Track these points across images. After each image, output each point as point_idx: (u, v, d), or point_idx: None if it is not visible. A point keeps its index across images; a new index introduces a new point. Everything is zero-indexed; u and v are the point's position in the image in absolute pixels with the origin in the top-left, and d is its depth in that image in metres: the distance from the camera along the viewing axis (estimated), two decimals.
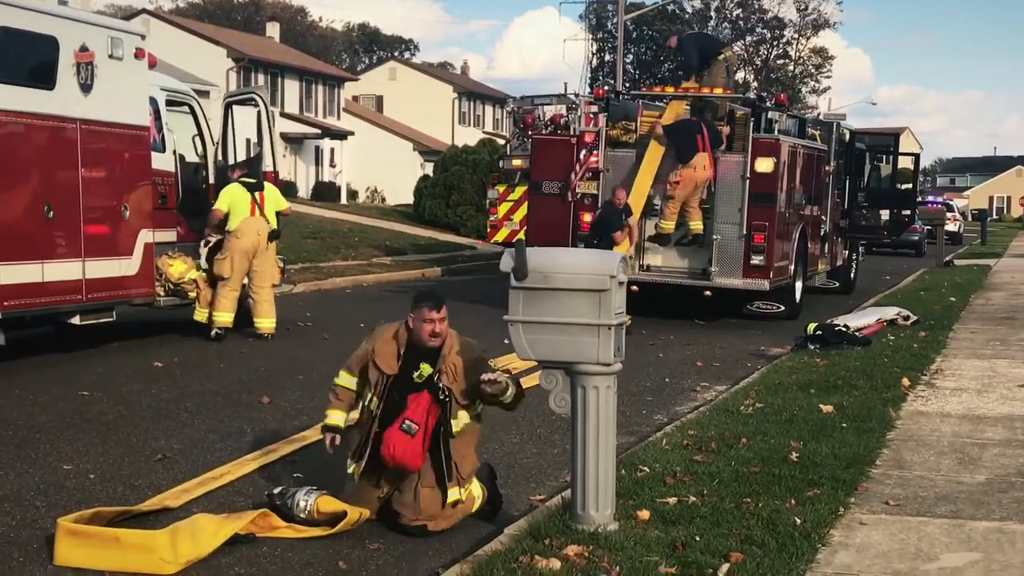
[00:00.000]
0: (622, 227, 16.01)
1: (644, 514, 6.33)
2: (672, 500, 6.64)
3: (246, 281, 14.10)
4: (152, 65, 13.41)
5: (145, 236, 12.98)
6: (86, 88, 12.01)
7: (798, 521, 6.26)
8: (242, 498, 7.14)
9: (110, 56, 12.32)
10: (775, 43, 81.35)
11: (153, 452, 8.25)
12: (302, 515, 6.40)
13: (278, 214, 14.36)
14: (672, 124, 17.24)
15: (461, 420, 6.50)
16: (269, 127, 15.19)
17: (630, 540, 5.88)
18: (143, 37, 13.15)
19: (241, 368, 12.11)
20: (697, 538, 5.94)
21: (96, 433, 8.80)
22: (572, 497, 6.19)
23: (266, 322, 14.16)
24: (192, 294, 13.83)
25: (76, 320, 12.25)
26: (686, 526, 6.17)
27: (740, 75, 71.50)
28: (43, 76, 11.59)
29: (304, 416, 9.54)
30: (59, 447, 8.33)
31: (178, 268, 13.72)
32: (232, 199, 13.91)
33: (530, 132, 19.22)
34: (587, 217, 17.18)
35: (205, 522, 6.12)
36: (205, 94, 34.65)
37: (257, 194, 14.05)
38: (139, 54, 12.81)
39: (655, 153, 16.98)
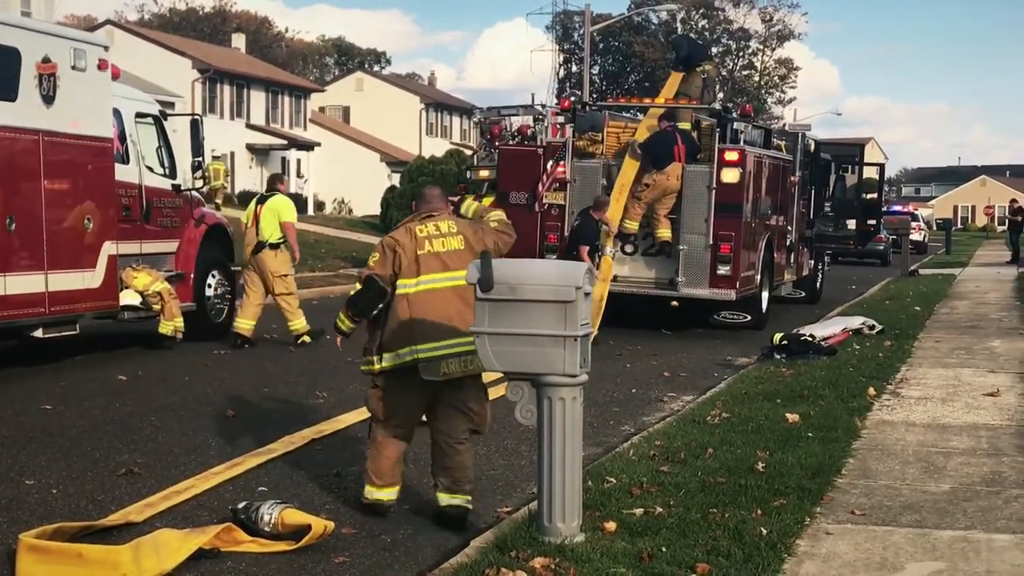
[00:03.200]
0: (594, 243, 15.99)
1: (611, 525, 6.32)
2: (639, 511, 6.63)
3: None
4: (116, 76, 13.33)
5: (109, 248, 12.86)
6: (48, 100, 11.90)
7: (764, 531, 6.27)
8: (206, 512, 7.09)
9: (73, 67, 12.21)
10: (740, 54, 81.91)
11: (117, 466, 8.18)
12: (267, 528, 6.37)
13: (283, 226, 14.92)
14: (649, 137, 17.28)
15: None
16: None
17: (597, 552, 5.87)
18: (107, 48, 13.06)
19: (206, 381, 12.02)
20: (664, 549, 5.94)
21: (59, 447, 8.71)
22: (539, 509, 6.18)
23: (296, 324, 14.85)
24: (157, 306, 13.71)
25: (39, 333, 12.12)
26: (653, 537, 6.16)
27: None
28: (5, 87, 11.46)
29: (269, 429, 9.48)
30: (21, 461, 8.24)
31: (143, 280, 13.60)
32: (246, 212, 14.96)
33: (497, 143, 19.21)
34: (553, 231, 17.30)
35: (169, 537, 6.08)
36: (170, 105, 34.50)
37: (259, 206, 14.77)
38: (102, 65, 12.72)
39: (630, 169, 17.02)
